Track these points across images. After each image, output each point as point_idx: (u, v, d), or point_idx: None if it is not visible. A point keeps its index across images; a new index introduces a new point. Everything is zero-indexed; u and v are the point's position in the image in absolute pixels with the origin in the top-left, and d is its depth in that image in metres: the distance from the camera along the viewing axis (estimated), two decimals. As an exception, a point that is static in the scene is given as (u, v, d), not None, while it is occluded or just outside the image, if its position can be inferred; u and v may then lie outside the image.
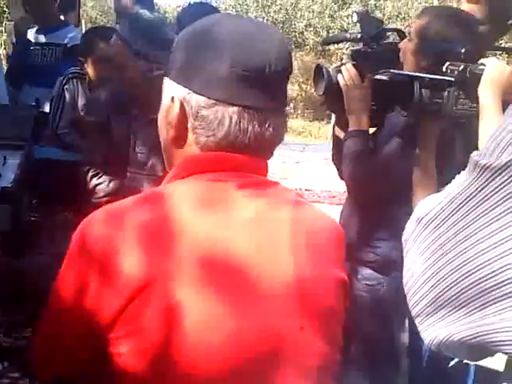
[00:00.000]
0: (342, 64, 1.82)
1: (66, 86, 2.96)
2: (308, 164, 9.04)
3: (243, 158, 0.96)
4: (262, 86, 0.94)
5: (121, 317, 0.86)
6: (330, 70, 1.79)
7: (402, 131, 1.83)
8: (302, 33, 18.16)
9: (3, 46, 4.42)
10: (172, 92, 0.97)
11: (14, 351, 1.31)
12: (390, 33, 2.06)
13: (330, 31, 17.14)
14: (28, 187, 2.02)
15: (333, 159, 2.04)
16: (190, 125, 0.96)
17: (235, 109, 0.93)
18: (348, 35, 1.99)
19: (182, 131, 0.97)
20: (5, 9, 10.35)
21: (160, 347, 0.85)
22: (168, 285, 0.86)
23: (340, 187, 6.52)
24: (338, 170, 2.02)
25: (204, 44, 0.95)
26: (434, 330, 0.88)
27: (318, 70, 1.79)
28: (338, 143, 1.95)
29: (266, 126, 0.95)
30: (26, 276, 1.49)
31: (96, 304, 0.88)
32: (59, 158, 2.31)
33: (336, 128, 1.98)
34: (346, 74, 1.77)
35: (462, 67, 1.56)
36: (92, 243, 0.89)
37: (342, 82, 1.77)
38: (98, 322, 0.88)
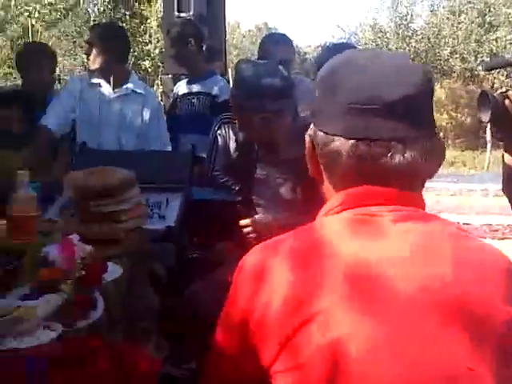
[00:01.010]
0: (507, 89, 1.73)
1: (218, 132, 3.12)
2: (464, 196, 8.64)
3: (392, 191, 0.94)
4: (378, 117, 0.93)
5: (284, 349, 0.85)
6: (495, 95, 1.71)
7: None
8: (448, 60, 17.62)
9: (160, 98, 4.76)
10: (308, 131, 1.03)
11: (181, 382, 1.37)
12: None
13: (478, 56, 16.47)
14: (188, 226, 2.14)
15: (503, 189, 1.93)
16: (320, 160, 1.00)
17: (353, 142, 0.94)
18: None
19: (317, 168, 1.02)
20: (159, 63, 11.54)
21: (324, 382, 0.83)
22: (330, 317, 0.84)
23: (502, 220, 6.08)
24: (510, 201, 1.90)
25: (324, 82, 1.01)
26: None
27: (483, 96, 1.72)
28: (509, 173, 1.84)
29: (389, 155, 0.93)
30: (192, 308, 1.57)
31: (261, 335, 0.88)
32: (215, 198, 2.42)
33: (506, 156, 1.87)
34: None
35: None
36: (250, 271, 0.93)
37: (510, 108, 1.69)
38: (264, 354, 0.88)
